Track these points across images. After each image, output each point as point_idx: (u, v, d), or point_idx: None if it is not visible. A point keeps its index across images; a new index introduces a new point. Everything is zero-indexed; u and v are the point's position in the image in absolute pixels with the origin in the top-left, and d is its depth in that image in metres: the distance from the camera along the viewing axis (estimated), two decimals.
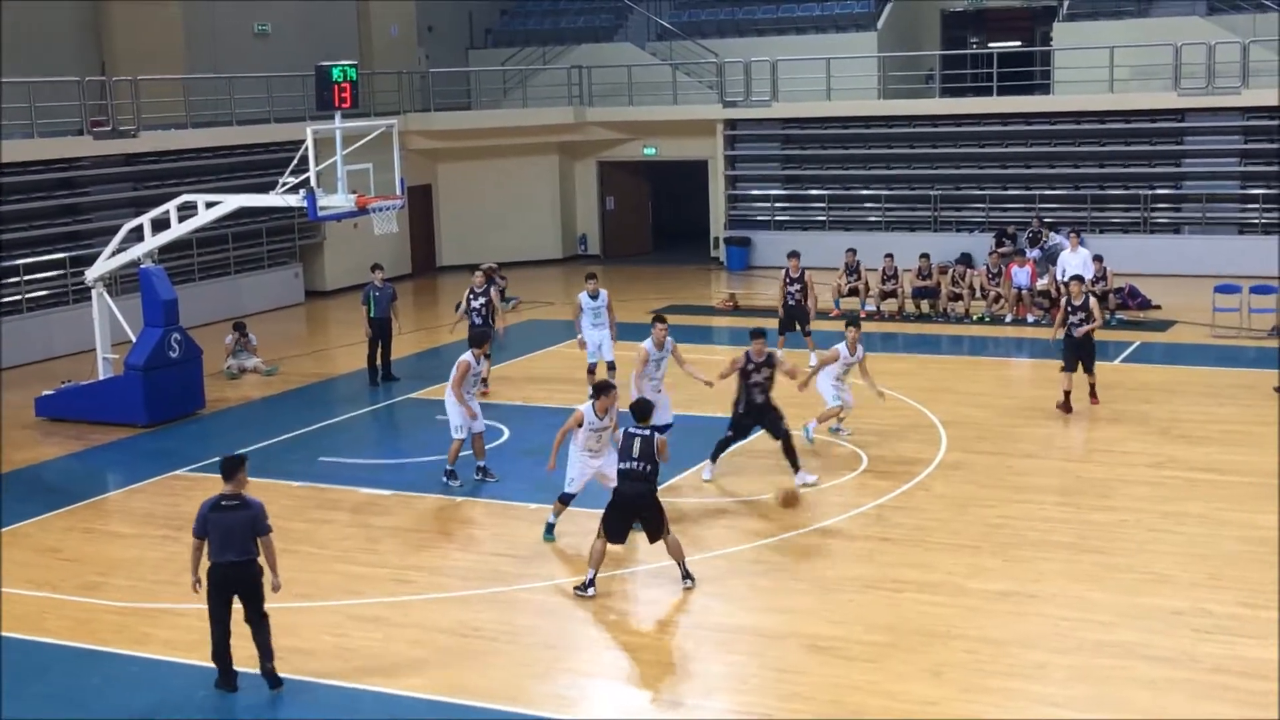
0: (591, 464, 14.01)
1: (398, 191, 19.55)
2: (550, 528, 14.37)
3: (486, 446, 16.69)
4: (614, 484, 13.07)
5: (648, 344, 16.36)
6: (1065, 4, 34.19)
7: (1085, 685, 10.62)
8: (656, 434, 12.85)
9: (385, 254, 26.92)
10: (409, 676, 11.17)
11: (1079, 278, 19.88)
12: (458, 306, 21.61)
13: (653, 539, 12.85)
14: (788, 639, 11.70)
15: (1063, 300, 19.25)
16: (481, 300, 20.65)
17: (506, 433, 18.60)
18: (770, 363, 15.73)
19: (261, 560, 10.84)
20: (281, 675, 10.98)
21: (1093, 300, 19.03)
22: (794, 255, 22.48)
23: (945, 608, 12.21)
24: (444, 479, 16.29)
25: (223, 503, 10.80)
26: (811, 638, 11.66)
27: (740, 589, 12.95)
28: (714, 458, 16.24)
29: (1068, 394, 18.73)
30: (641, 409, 13.22)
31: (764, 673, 11.13)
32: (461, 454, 16.32)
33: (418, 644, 11.83)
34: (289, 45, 32.95)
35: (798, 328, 22.07)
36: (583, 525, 14.15)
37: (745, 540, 14.18)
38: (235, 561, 10.72)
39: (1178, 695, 10.38)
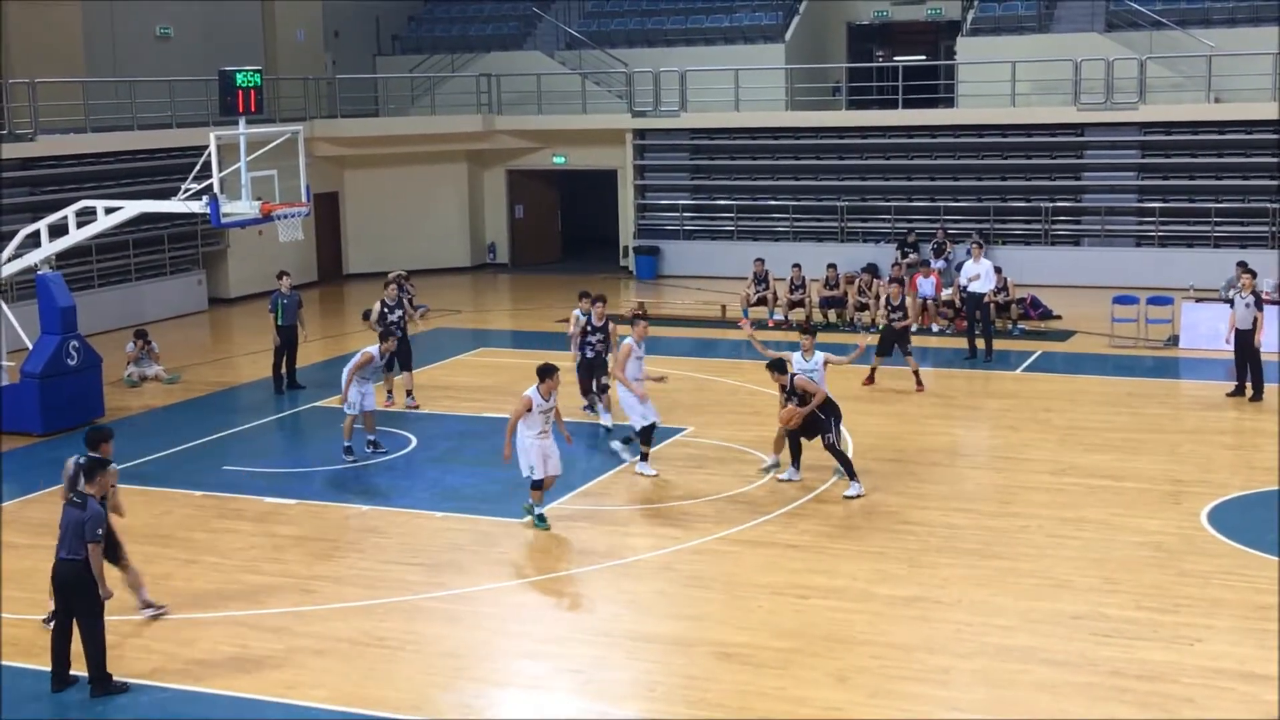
0: (540, 445, 14.63)
1: (303, 198, 19.36)
2: (541, 517, 14.77)
3: (395, 455, 16.75)
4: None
5: (629, 340, 16.92)
6: (969, 19, 34.70)
7: (988, 689, 10.75)
8: None
9: (291, 261, 26.59)
10: (312, 687, 11.03)
11: (899, 281, 22.50)
12: (366, 315, 21.44)
13: None
14: (696, 646, 11.72)
15: (882, 298, 21.95)
16: (399, 313, 20.53)
17: (414, 441, 18.48)
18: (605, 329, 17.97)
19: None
20: (182, 687, 10.84)
21: (909, 299, 21.96)
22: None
23: (851, 613, 12.30)
24: (343, 455, 17.31)
25: (72, 498, 11.03)
26: (719, 644, 11.70)
27: (648, 596, 12.96)
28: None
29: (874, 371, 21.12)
30: None
31: (672, 680, 11.14)
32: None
33: (321, 654, 11.69)
34: (192, 49, 32.48)
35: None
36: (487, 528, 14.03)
37: (654, 547, 14.18)
38: (63, 559, 10.86)
39: (1078, 698, 10.54)
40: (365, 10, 38.68)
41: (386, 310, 20.45)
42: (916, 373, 20.94)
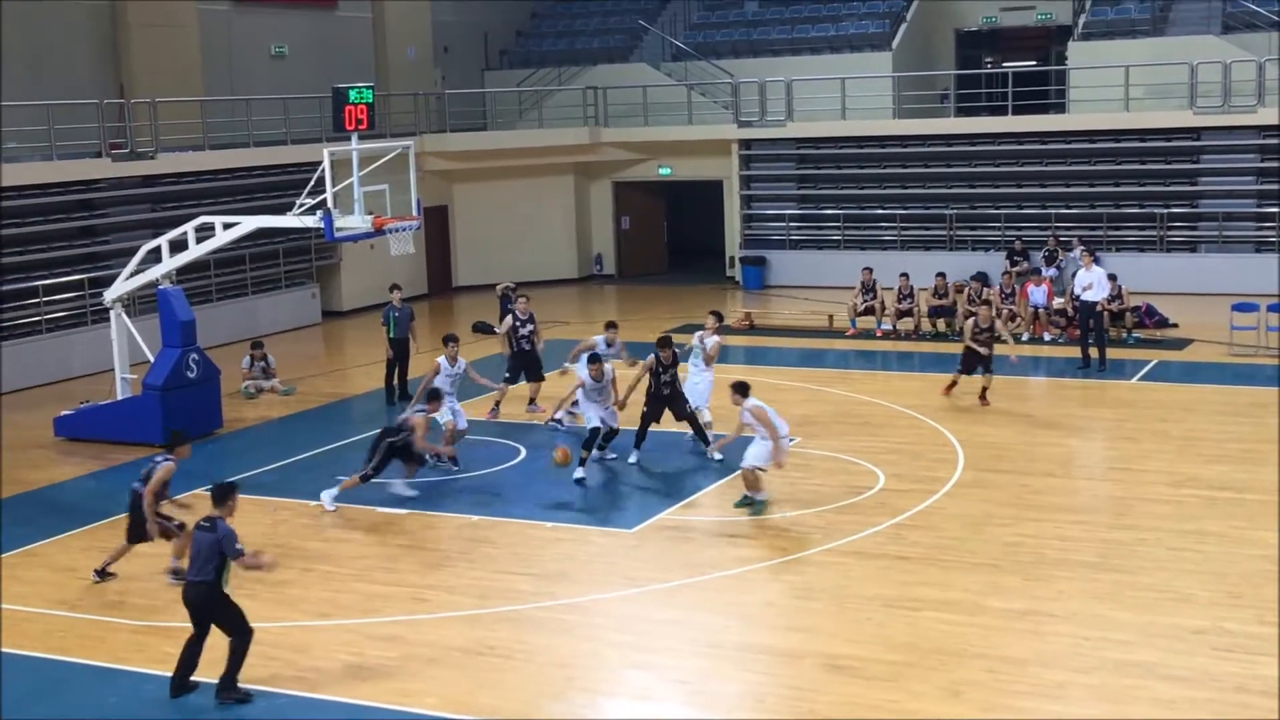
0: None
1: (414, 212, 19.60)
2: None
3: (505, 466, 17.01)
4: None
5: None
6: (1080, 23, 34.20)
7: (1105, 705, 10.56)
8: None
9: (402, 274, 26.98)
10: (424, 695, 11.16)
11: (988, 303, 22.07)
12: (477, 328, 21.92)
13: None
14: (805, 658, 11.66)
15: (970, 321, 20.76)
16: (530, 327, 20.76)
17: (523, 452, 18.61)
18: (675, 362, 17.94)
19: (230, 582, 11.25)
20: (297, 694, 11.04)
21: (998, 323, 21.24)
22: (986, 305, 21.85)
23: (964, 626, 12.16)
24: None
25: (201, 522, 11.28)
26: (829, 657, 11.63)
27: (756, 608, 12.93)
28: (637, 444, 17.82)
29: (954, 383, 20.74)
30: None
31: (780, 691, 11.10)
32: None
33: (433, 662, 11.83)
34: (306, 67, 33.12)
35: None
36: (591, 538, 14.10)
37: (760, 559, 14.15)
38: (191, 581, 11.17)
39: (1199, 715, 10.32)
40: (473, 26, 39.16)
41: (519, 324, 20.70)
42: (986, 389, 20.32)
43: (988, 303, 21.81)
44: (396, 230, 18.91)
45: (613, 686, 11.52)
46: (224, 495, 11.35)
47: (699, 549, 14.62)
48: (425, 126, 34.08)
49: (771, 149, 34.71)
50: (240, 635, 11.13)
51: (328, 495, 16.36)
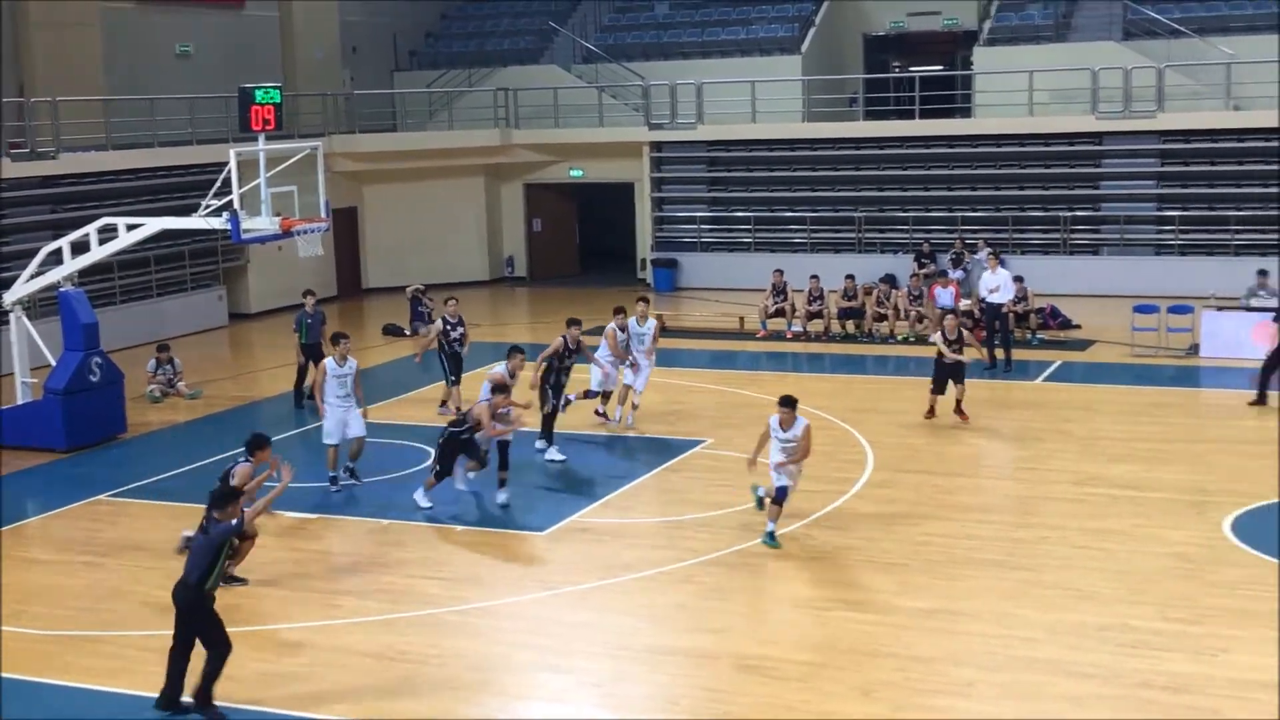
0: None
1: (322, 214, 19.41)
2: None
3: (410, 470, 16.71)
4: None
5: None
6: (985, 29, 34.68)
7: (1013, 702, 10.71)
8: None
9: (311, 276, 26.67)
10: (335, 702, 11.05)
11: (954, 311, 21.23)
12: (387, 330, 21.63)
13: None
14: (718, 659, 11.70)
15: (938, 335, 19.89)
16: (460, 330, 20.63)
17: (432, 455, 18.48)
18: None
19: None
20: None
21: (965, 332, 20.35)
22: (953, 314, 20.65)
23: (875, 626, 12.27)
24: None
25: (202, 524, 11.24)
26: (742, 657, 11.68)
27: (669, 609, 12.96)
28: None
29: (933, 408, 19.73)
30: None
31: (694, 693, 11.13)
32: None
33: (345, 668, 11.71)
34: (212, 67, 32.65)
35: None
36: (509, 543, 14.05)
37: (673, 561, 14.17)
38: (179, 582, 10.91)
39: (1105, 711, 10.49)
40: (382, 27, 38.85)
41: (449, 326, 20.55)
42: (960, 401, 19.60)
43: (954, 312, 21.27)
44: (304, 232, 18.71)
45: (526, 690, 11.49)
46: (225, 501, 11.06)
47: (611, 551, 14.63)
48: (334, 128, 33.76)
49: (682, 151, 34.81)
50: (216, 648, 10.81)
51: (419, 496, 16.12)
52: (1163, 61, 31.05)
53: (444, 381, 20.81)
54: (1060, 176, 32.22)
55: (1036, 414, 20.18)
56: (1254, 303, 24.27)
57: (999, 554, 14.07)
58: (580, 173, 35.55)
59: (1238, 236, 30.25)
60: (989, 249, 26.59)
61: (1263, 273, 25.05)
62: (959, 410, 19.53)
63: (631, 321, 19.48)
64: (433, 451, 16.38)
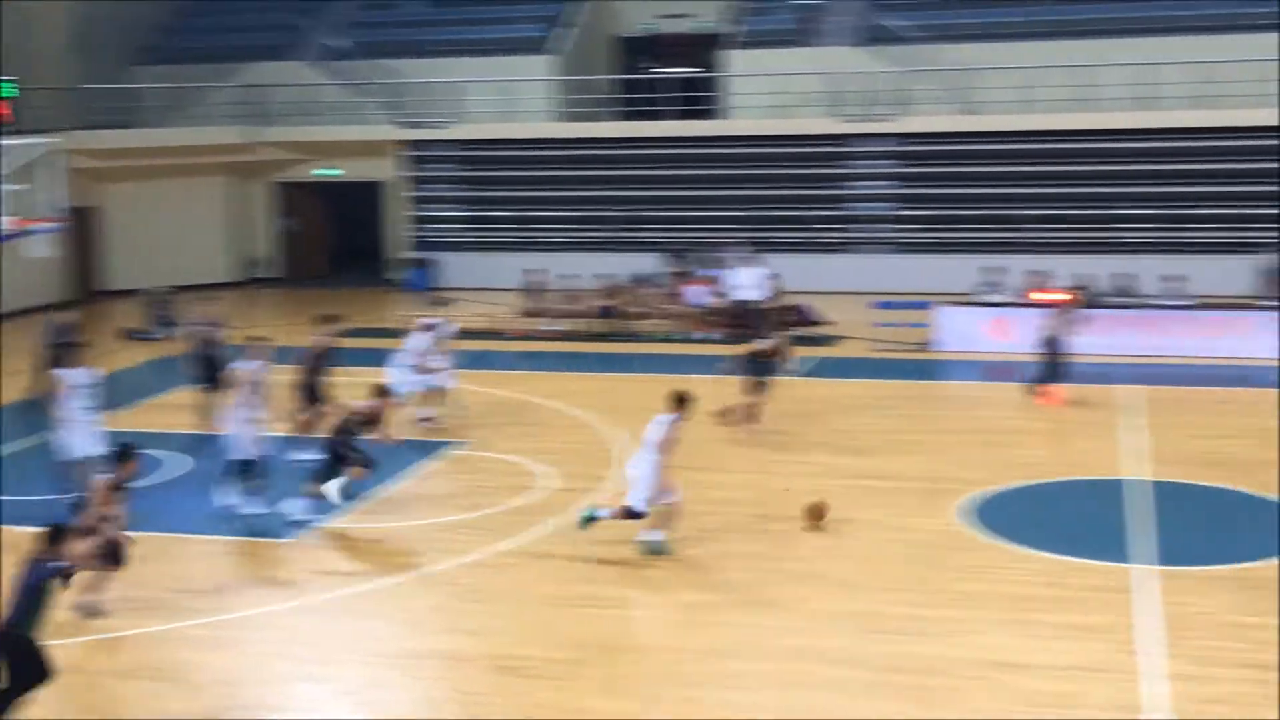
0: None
1: (56, 213, 18.55)
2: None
3: (149, 482, 16.19)
4: None
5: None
6: (735, 32, 35.38)
7: (774, 691, 10.90)
8: None
9: (48, 278, 25.47)
10: None
11: (708, 308, 22.14)
12: (145, 335, 20.85)
13: None
14: (475, 661, 11.61)
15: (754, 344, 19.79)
16: (215, 333, 19.89)
17: (193, 462, 17.88)
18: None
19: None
20: None
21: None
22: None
23: (635, 621, 12.36)
24: None
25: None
26: (499, 658, 11.60)
27: (424, 612, 12.79)
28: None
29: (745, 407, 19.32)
30: None
31: (452, 696, 11.01)
32: None
33: (90, 687, 11.19)
34: None
35: None
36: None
37: (427, 564, 14.00)
38: None
39: (860, 696, 10.76)
40: (120, 20, 37.23)
41: (203, 329, 19.86)
42: (753, 406, 19.13)
43: (708, 309, 21.74)
44: (34, 232, 17.85)
45: (280, 701, 11.17)
46: (57, 537, 10.28)
47: (368, 556, 14.37)
48: (70, 123, 32.27)
49: (436, 150, 34.51)
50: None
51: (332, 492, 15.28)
52: (904, 66, 32.22)
53: (196, 387, 20.06)
54: (809, 176, 33.12)
55: (788, 408, 20.64)
56: (985, 298, 25.42)
57: (755, 546, 14.33)
58: (330, 172, 34.92)
59: (972, 235, 31.63)
60: (742, 248, 27.15)
61: (995, 270, 26.26)
62: (740, 410, 19.23)
63: (438, 322, 19.76)
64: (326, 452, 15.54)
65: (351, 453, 15.33)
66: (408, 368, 19.13)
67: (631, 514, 13.83)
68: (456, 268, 33.67)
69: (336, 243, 37.27)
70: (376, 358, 20.16)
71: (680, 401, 14.09)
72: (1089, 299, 22.68)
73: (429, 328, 19.48)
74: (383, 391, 16.02)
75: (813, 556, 13.97)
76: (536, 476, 16.97)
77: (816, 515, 14.85)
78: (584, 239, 33.59)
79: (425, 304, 19.81)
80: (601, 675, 11.24)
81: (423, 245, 34.22)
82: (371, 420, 15.59)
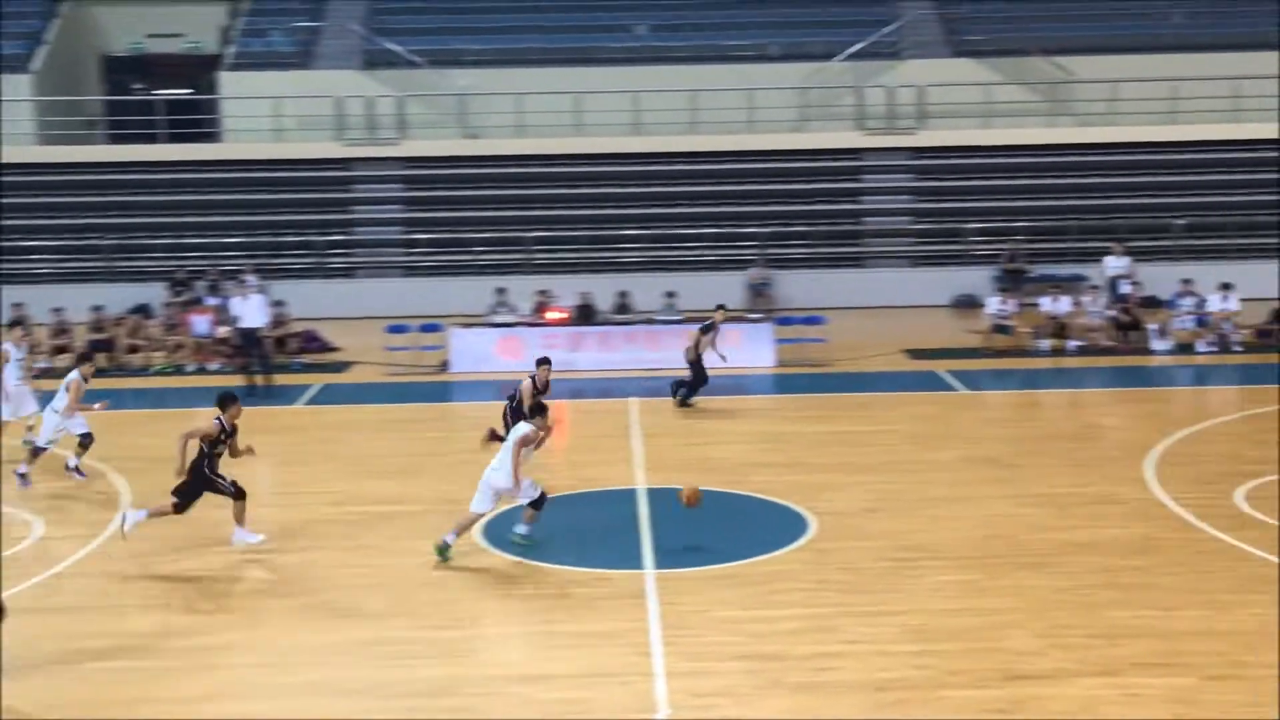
0: None
1: None
2: None
3: None
4: None
5: None
6: (229, 53, 34.41)
7: None
8: None
9: None
10: None
11: (211, 338, 21.69)
12: None
13: None
14: None
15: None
16: None
17: None
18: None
19: None
20: None
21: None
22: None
23: (136, 672, 11.65)
24: None
25: None
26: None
27: None
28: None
29: None
30: None
31: None
32: None
33: None
34: None
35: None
36: None
37: None
38: None
39: None
40: None
41: None
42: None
43: (212, 338, 20.82)
44: None
45: None
46: None
47: None
48: None
49: None
50: None
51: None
52: (404, 91, 32.36)
53: None
54: (313, 201, 32.65)
55: (300, 438, 20.23)
56: (496, 319, 25.89)
57: (263, 582, 13.88)
58: None
59: (480, 258, 32.14)
60: (248, 275, 26.40)
61: (501, 290, 26.80)
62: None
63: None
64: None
65: None
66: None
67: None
68: None
69: None
70: None
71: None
72: (728, 315, 23.55)
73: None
74: None
75: (326, 588, 13.66)
76: (19, 525, 15.74)
77: (692, 499, 14.78)
78: (76, 270, 31.61)
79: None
80: None
81: None
82: None
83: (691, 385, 21.83)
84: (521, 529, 14.68)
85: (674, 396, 21.75)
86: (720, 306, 23.06)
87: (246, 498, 14.75)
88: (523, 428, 14.41)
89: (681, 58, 34.98)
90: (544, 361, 17.40)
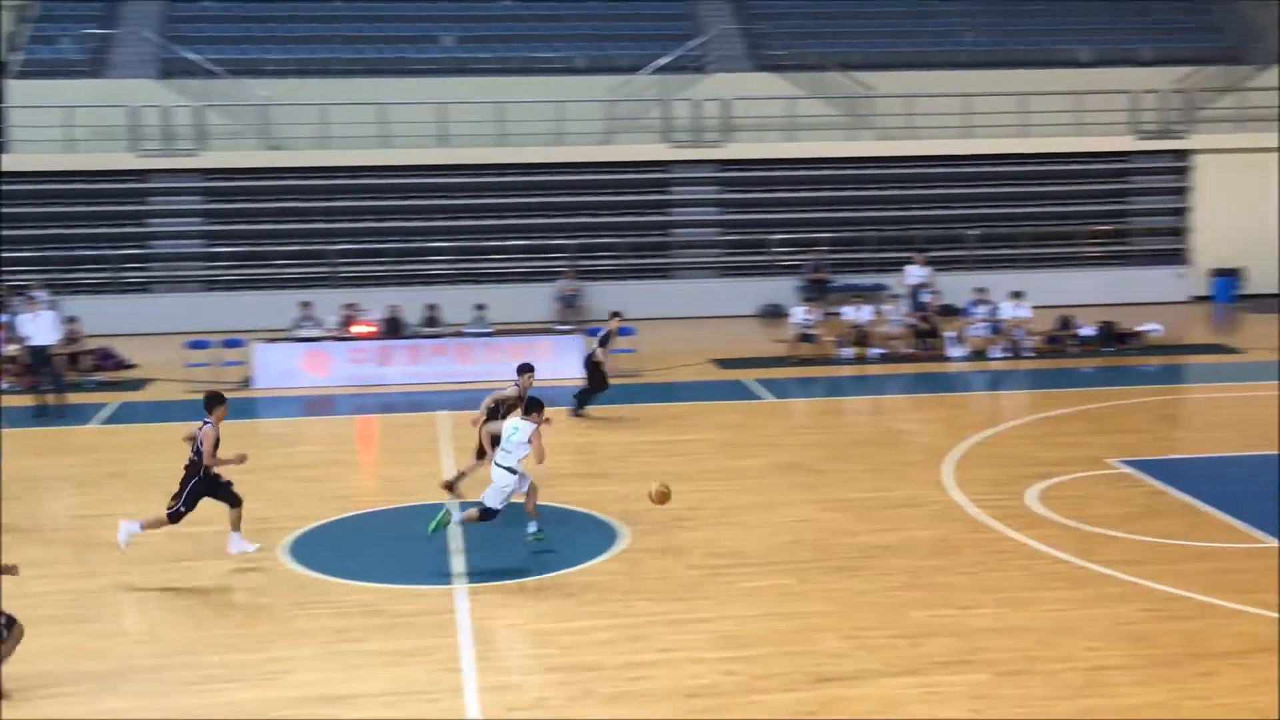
0: None
1: None
2: None
3: None
4: None
5: None
6: (15, 61, 33.13)
7: None
8: None
9: None
10: None
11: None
12: None
13: None
14: None
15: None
16: None
17: None
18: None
19: None
20: None
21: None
22: None
23: None
24: None
25: None
26: None
27: None
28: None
29: None
30: None
31: None
32: None
33: None
34: None
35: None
36: None
37: None
38: None
39: None
40: None
41: None
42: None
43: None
44: None
45: None
46: None
47: None
48: None
49: None
50: None
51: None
52: (200, 100, 31.55)
53: None
54: (107, 215, 31.62)
55: (94, 458, 19.52)
56: (301, 333, 25.40)
57: (61, 608, 13.33)
58: None
59: (284, 271, 31.52)
60: (36, 291, 25.47)
61: (306, 304, 26.30)
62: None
63: None
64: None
65: None
66: None
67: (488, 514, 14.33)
68: None
69: None
70: None
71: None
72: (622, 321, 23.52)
73: None
74: None
75: (122, 613, 13.19)
76: None
77: (662, 498, 14.49)
78: None
79: None
80: None
81: None
82: None
83: (586, 392, 21.83)
84: (532, 527, 14.73)
85: (577, 408, 21.69)
86: (615, 314, 23.13)
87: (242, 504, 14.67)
88: (527, 426, 14.45)
89: (488, 69, 34.90)
90: (526, 369, 17.16)
